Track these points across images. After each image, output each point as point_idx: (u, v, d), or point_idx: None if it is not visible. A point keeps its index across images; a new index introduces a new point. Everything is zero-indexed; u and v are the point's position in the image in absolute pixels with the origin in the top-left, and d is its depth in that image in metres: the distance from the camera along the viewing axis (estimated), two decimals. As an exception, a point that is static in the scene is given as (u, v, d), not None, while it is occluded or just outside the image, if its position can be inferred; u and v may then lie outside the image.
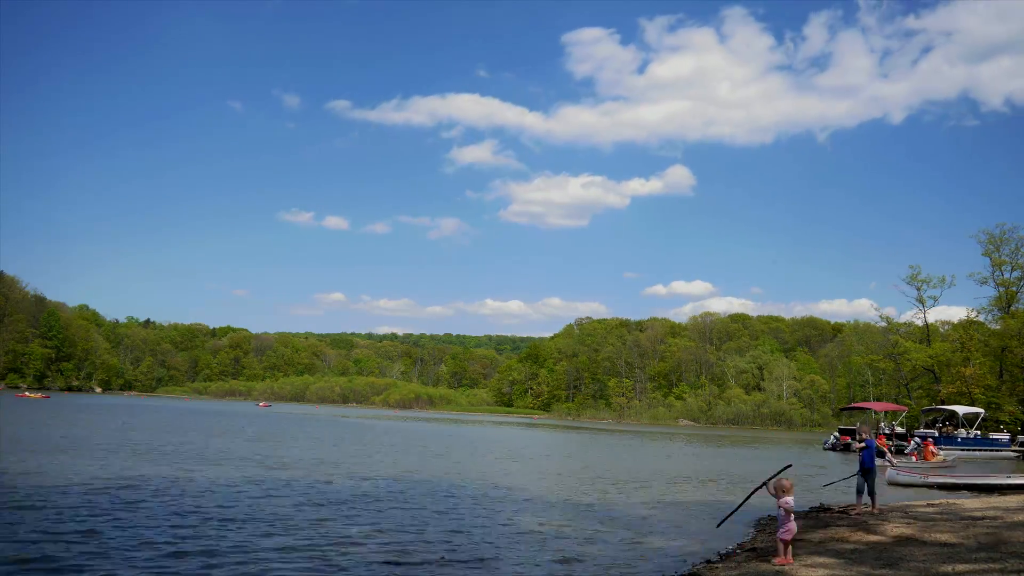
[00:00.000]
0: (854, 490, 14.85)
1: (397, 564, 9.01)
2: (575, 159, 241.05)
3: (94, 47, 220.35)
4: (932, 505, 16.21)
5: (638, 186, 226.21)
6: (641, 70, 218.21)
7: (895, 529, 11.61)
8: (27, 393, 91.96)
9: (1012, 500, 17.65)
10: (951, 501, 17.41)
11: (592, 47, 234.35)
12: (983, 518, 13.12)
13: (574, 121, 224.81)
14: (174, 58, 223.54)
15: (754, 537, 11.57)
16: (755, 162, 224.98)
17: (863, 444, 14.60)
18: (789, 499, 8.75)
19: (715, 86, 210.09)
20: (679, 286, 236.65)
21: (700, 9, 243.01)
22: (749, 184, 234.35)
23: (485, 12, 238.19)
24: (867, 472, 14.19)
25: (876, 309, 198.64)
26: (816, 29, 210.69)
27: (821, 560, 8.95)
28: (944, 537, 10.72)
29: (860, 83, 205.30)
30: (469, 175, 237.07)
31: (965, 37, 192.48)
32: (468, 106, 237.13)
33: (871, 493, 14.22)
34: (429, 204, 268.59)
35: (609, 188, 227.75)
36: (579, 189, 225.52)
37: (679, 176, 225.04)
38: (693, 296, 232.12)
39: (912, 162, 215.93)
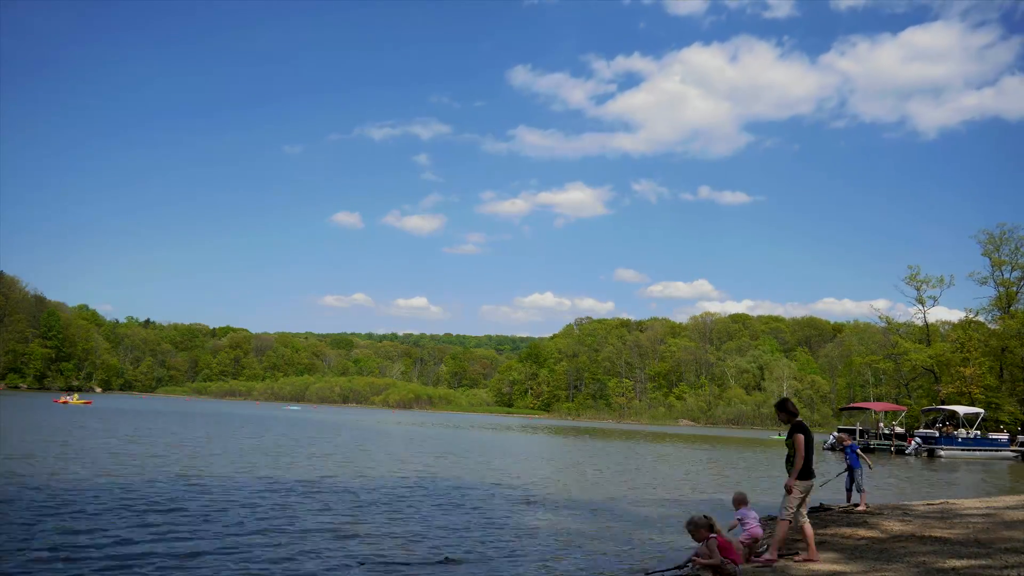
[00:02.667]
0: (846, 490, 16.18)
1: (399, 564, 9.05)
2: (544, 172, 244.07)
3: (94, 47, 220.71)
4: (930, 504, 16.27)
5: (622, 194, 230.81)
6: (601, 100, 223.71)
7: (894, 527, 11.69)
8: (66, 399, 71.02)
9: (1010, 500, 17.72)
10: (949, 500, 17.47)
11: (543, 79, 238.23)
12: (981, 517, 13.19)
13: (538, 144, 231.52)
14: (173, 61, 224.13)
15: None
16: (735, 167, 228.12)
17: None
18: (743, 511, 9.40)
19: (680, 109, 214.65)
20: (678, 286, 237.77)
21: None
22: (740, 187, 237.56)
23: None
24: (852, 470, 15.97)
25: (876, 309, 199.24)
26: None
27: (822, 555, 9.03)
28: (942, 534, 10.79)
29: (807, 111, 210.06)
30: (453, 182, 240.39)
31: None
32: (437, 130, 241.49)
33: (859, 489, 15.63)
34: (424, 205, 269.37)
35: (594, 196, 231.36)
36: (561, 196, 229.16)
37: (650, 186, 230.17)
38: (689, 296, 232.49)
39: (905, 165, 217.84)
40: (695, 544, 7.90)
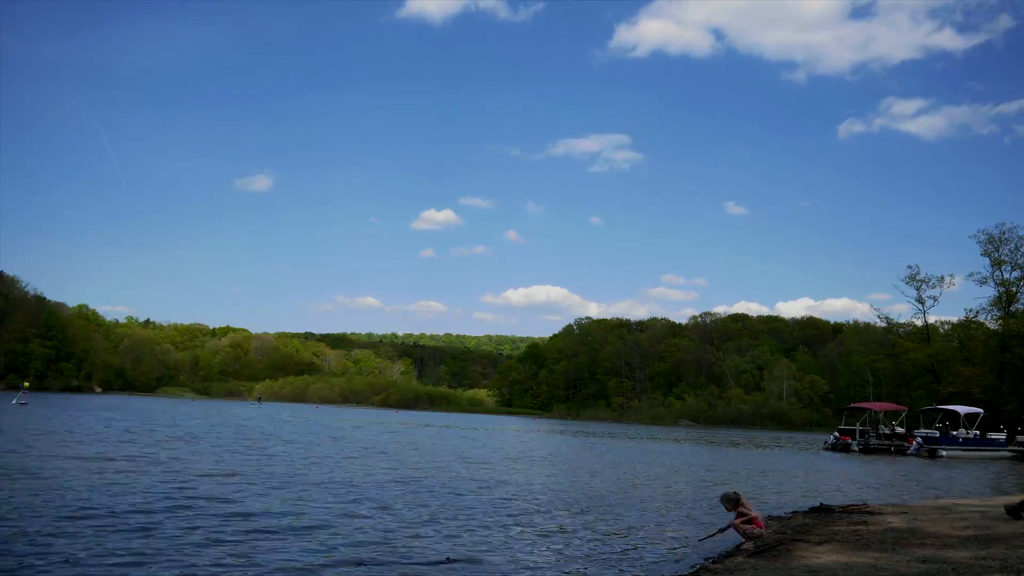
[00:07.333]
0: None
1: (400, 564, 9.07)
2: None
3: (95, 48, 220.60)
4: (930, 503, 16.32)
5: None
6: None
7: (895, 524, 11.74)
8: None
9: (1009, 499, 17.74)
10: (949, 499, 17.52)
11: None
12: (980, 515, 13.24)
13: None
14: (173, 62, 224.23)
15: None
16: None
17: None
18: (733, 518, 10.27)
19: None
20: (677, 286, 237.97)
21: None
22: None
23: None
24: None
25: (876, 309, 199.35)
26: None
27: (825, 548, 9.11)
28: (942, 530, 10.85)
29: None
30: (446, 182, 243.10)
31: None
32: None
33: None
34: (425, 204, 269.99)
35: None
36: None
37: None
38: (688, 296, 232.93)
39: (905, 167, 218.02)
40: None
